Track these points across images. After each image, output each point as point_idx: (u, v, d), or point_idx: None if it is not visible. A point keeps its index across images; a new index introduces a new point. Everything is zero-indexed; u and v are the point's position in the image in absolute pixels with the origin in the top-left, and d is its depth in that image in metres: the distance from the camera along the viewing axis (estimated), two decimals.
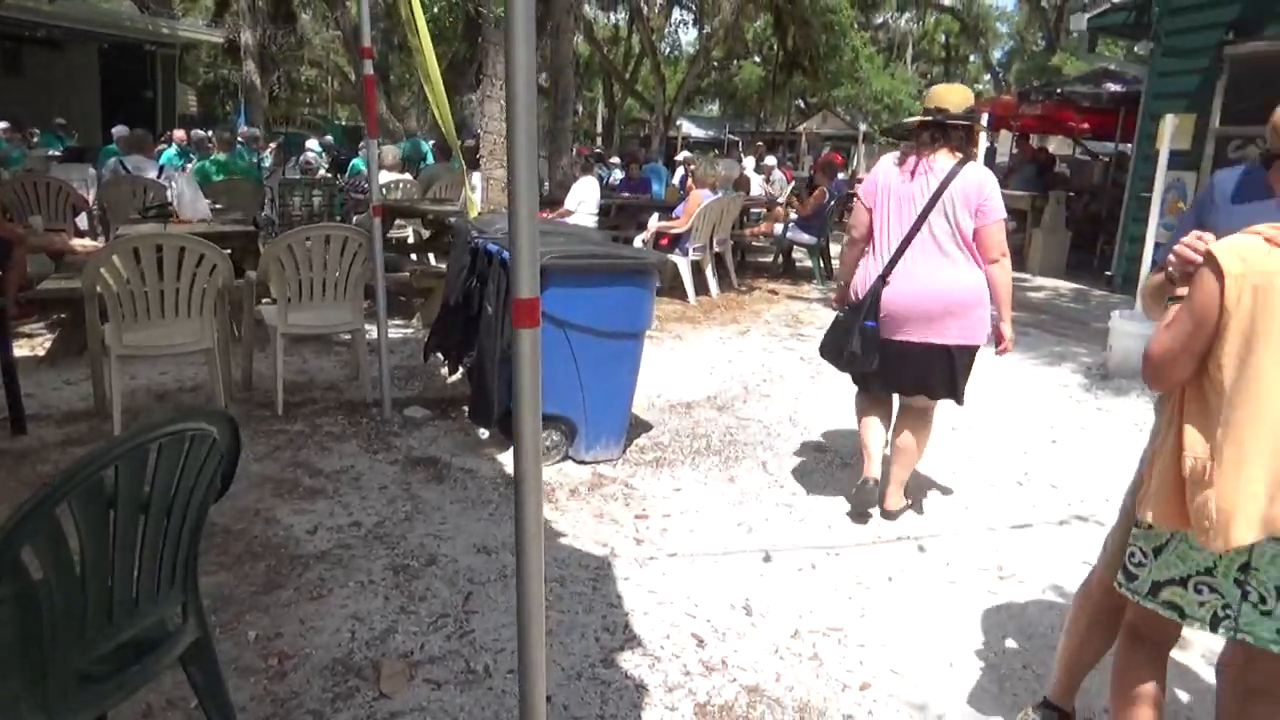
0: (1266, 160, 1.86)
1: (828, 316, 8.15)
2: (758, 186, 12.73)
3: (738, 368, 6.31)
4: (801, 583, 3.32)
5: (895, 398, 3.96)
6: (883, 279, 3.62)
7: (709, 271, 8.92)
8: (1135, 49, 10.64)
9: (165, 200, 7.04)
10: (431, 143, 15.53)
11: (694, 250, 8.58)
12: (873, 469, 3.86)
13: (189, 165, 10.25)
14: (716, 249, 9.14)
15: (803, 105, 34.48)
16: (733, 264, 9.80)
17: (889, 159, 3.78)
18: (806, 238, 10.24)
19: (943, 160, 3.59)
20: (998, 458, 4.77)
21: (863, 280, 3.73)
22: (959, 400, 3.80)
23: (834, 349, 3.81)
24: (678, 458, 4.53)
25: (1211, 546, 1.76)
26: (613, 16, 31.41)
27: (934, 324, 3.61)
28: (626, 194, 11.22)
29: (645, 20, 25.08)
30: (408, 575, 3.20)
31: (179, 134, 13.08)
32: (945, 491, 4.28)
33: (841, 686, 2.69)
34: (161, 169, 9.42)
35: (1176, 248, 1.87)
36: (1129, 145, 11.50)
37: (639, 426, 4.88)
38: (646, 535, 3.65)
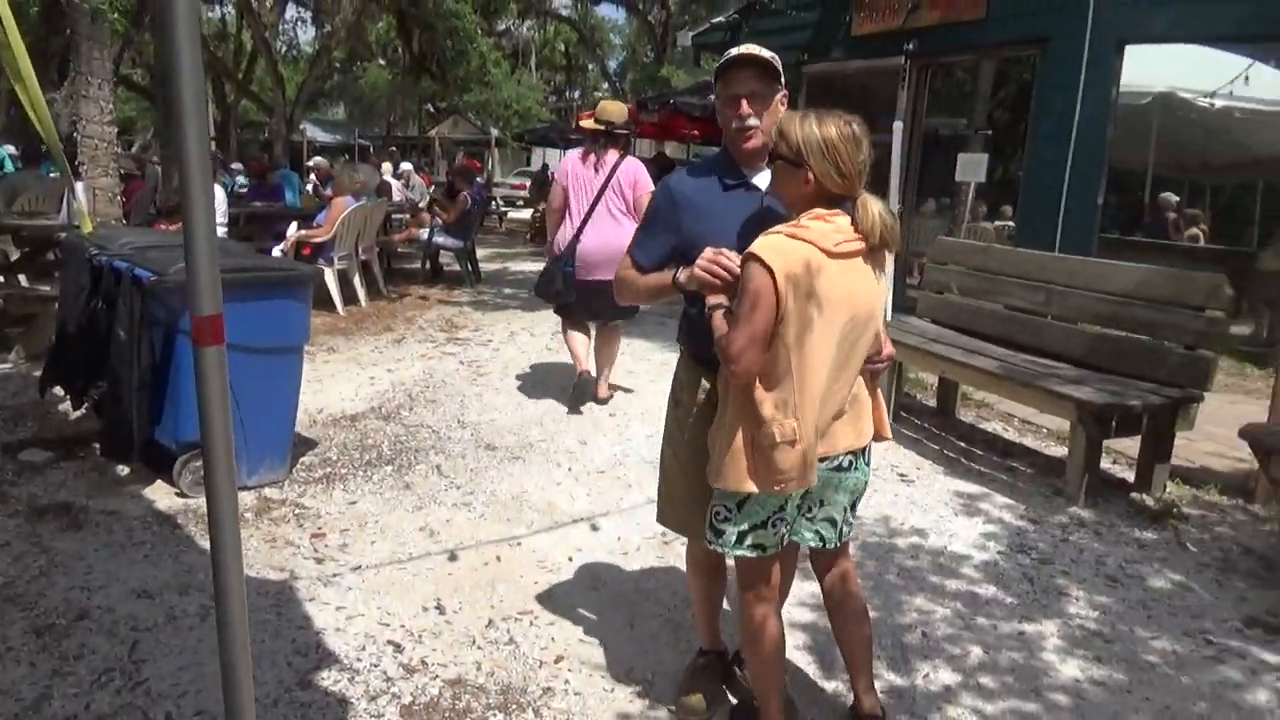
0: (772, 159, 2.19)
1: (482, 319, 8.39)
2: (398, 192, 12.58)
3: (398, 376, 6.26)
4: (489, 575, 3.45)
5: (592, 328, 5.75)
6: (577, 236, 5.32)
7: (357, 280, 8.70)
8: None
9: None
10: (8, 149, 13.44)
11: (340, 259, 8.32)
12: (586, 365, 5.57)
13: None
14: (363, 257, 8.94)
15: (433, 110, 34.33)
16: (380, 272, 9.63)
17: (575, 154, 5.57)
18: (453, 242, 10.32)
19: (611, 156, 5.41)
20: (652, 437, 5.22)
21: (562, 238, 5.40)
22: (630, 316, 5.69)
23: (545, 288, 5.49)
24: (349, 471, 4.44)
25: (802, 486, 2.16)
26: (219, 10, 29.06)
27: (612, 268, 4.67)
28: (258, 202, 10.56)
29: (256, 16, 23.47)
30: (55, 635, 2.85)
31: None
32: (611, 473, 4.61)
33: (538, 664, 2.86)
34: None
35: (708, 265, 2.12)
36: None
37: (303, 444, 4.70)
38: (327, 553, 3.56)
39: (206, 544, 1.93)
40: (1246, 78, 9.30)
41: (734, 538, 2.25)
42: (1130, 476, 4.64)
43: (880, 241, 2.14)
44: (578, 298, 5.36)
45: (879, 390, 2.36)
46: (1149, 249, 9.98)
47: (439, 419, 5.34)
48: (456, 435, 5.07)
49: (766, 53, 2.29)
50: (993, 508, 4.30)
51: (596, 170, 5.37)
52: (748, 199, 2.31)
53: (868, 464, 2.36)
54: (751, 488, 2.15)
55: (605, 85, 41.62)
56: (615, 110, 5.53)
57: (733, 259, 2.10)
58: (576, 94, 46.10)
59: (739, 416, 2.15)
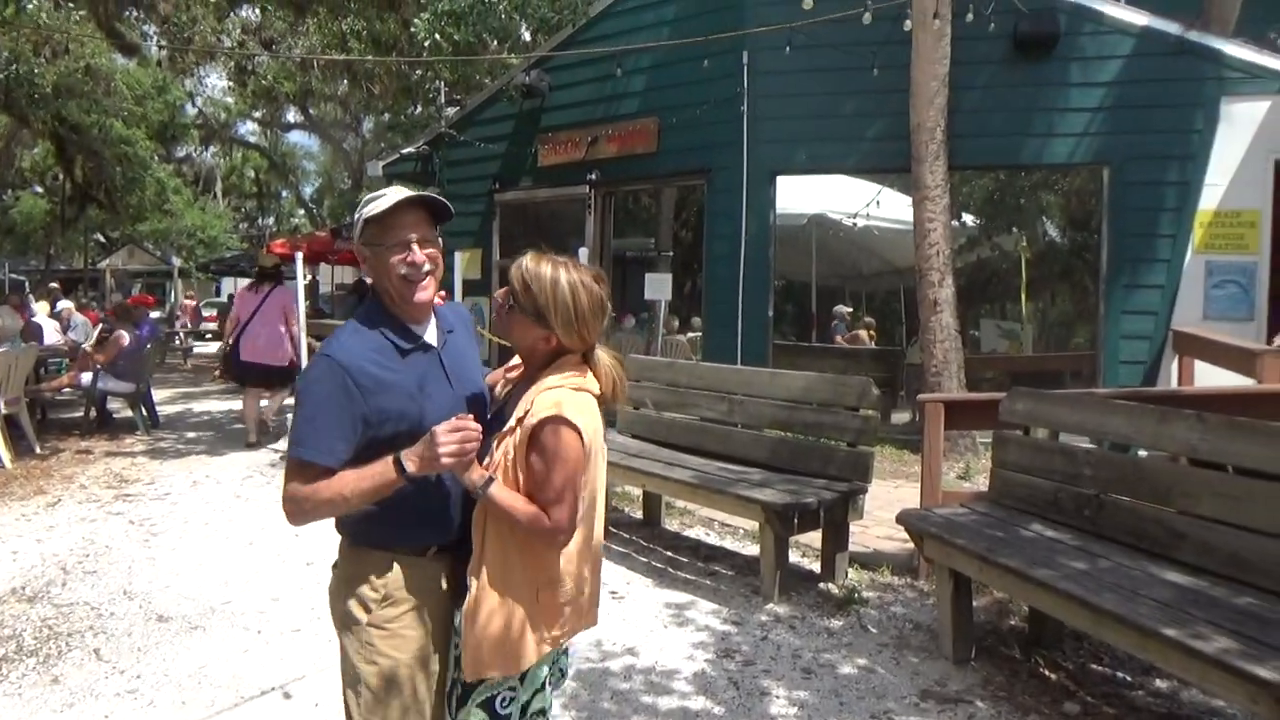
0: (508, 304, 2.07)
1: (159, 469, 7.63)
2: (53, 334, 11.24)
3: (50, 546, 5.44)
4: None
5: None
6: (241, 331, 8.60)
7: None
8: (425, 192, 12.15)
9: None
10: None
11: None
12: (254, 438, 8.61)
13: None
14: (7, 410, 7.81)
15: (103, 240, 31.49)
16: (31, 425, 8.44)
17: (246, 286, 9.12)
18: (122, 386, 9.30)
19: (267, 286, 8.77)
20: None
21: (233, 334, 8.71)
22: (288, 384, 8.47)
23: (223, 369, 9.00)
24: None
25: (588, 624, 2.13)
26: None
27: (267, 353, 8.52)
28: None
29: None
30: None
31: None
32: (309, 629, 4.23)
33: None
34: None
35: (459, 446, 1.86)
36: None
37: None
38: None
39: None
40: (879, 201, 10.82)
41: (520, 713, 2.09)
42: (817, 567, 4.98)
43: (614, 395, 2.10)
44: (240, 371, 8.67)
45: None
46: (824, 353, 11.11)
47: (99, 593, 4.67)
48: (121, 609, 4.45)
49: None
50: (699, 615, 4.42)
51: (258, 294, 8.73)
52: (428, 361, 2.06)
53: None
54: (533, 658, 2.01)
55: (301, 211, 40.37)
56: (268, 259, 9.35)
57: (475, 426, 1.89)
58: (270, 220, 44.28)
59: (518, 584, 1.98)
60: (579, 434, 1.93)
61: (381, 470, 1.89)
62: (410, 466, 1.87)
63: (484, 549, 1.98)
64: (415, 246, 1.99)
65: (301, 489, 1.92)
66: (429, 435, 1.87)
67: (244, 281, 29.50)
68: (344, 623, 2.07)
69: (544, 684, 2.14)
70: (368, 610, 2.03)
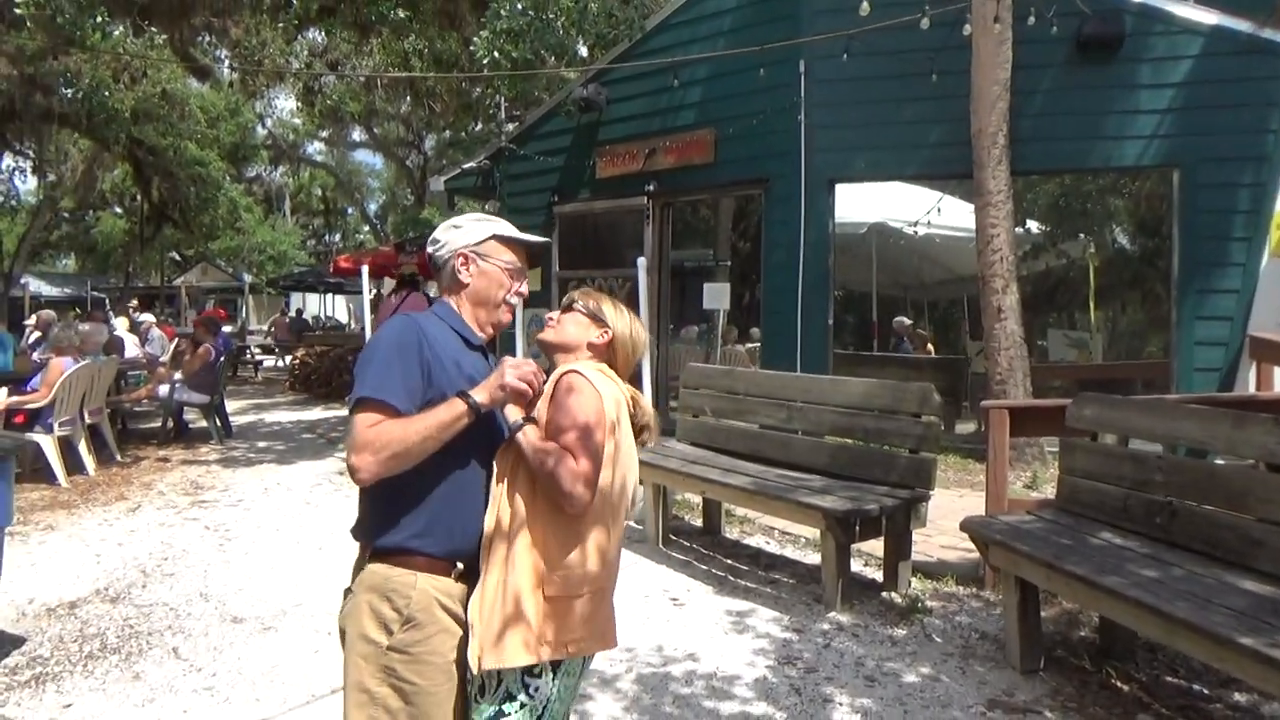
0: (565, 309, 2.28)
1: (232, 477, 7.84)
2: (133, 348, 11.67)
3: (131, 550, 5.65)
4: None
5: None
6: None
7: (83, 447, 7.88)
8: (485, 207, 12.31)
9: None
10: None
11: (61, 425, 7.52)
12: None
13: None
14: (90, 420, 8.13)
15: (178, 258, 32.60)
16: (112, 434, 8.78)
17: (389, 293, 11.23)
18: (198, 397, 9.63)
19: (405, 291, 9.92)
20: None
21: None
22: None
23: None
24: (65, 669, 3.89)
25: (603, 647, 2.06)
26: None
27: None
28: None
29: None
30: None
31: None
32: None
33: None
34: None
35: (522, 372, 1.98)
36: None
37: (8, 643, 4.10)
38: None
39: None
40: (939, 209, 10.69)
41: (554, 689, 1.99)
42: (880, 576, 4.93)
43: (642, 429, 2.19)
44: None
45: None
46: (886, 362, 10.98)
47: (177, 595, 4.83)
48: (198, 611, 4.60)
49: None
50: (760, 622, 4.41)
51: (398, 299, 9.73)
52: (484, 367, 2.13)
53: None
54: (545, 654, 1.92)
55: (366, 228, 41.28)
56: (407, 268, 10.88)
57: (539, 368, 2.04)
58: (337, 237, 45.38)
59: (530, 567, 1.94)
60: (596, 392, 2.02)
61: (449, 405, 1.95)
62: (479, 397, 1.96)
63: (496, 526, 1.98)
64: (524, 279, 2.24)
65: (372, 429, 1.91)
66: (499, 364, 2.02)
67: (312, 296, 30.86)
68: (360, 645, 1.98)
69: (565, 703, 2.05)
70: (389, 633, 1.95)
